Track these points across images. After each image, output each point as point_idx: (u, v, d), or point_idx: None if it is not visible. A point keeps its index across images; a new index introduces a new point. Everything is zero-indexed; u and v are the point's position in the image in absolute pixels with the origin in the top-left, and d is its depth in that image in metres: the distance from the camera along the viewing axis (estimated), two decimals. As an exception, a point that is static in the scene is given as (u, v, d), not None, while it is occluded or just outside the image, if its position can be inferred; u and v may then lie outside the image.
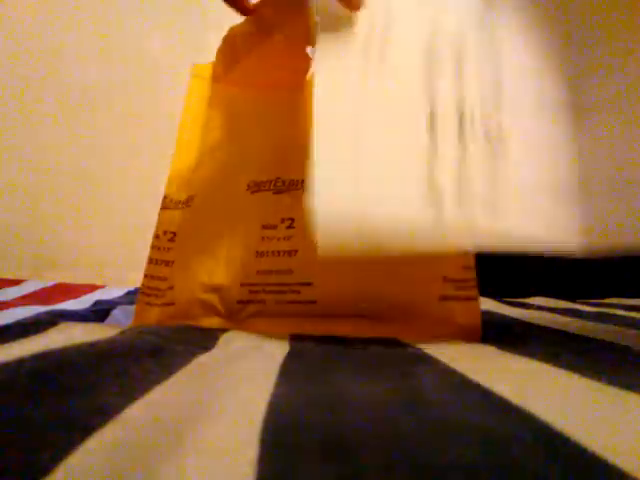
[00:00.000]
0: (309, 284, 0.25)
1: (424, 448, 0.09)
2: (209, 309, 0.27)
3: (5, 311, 0.32)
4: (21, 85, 0.87)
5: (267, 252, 0.27)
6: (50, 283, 0.63)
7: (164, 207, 0.32)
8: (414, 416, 0.11)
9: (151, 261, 0.31)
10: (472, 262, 0.26)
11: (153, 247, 0.31)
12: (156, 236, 0.32)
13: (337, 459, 0.09)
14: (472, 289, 0.25)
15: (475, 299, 0.25)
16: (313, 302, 0.25)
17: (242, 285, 0.27)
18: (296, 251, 0.26)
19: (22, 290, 0.56)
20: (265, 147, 0.30)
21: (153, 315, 0.29)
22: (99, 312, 0.33)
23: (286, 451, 0.09)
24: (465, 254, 0.25)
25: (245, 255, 0.27)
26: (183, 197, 0.32)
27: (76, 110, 0.87)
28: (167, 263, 0.30)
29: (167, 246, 0.31)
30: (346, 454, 0.09)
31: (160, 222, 0.32)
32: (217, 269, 0.28)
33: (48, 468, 0.08)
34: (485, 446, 0.09)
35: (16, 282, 0.63)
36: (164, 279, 0.30)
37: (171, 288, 0.29)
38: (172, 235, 0.31)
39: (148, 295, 0.30)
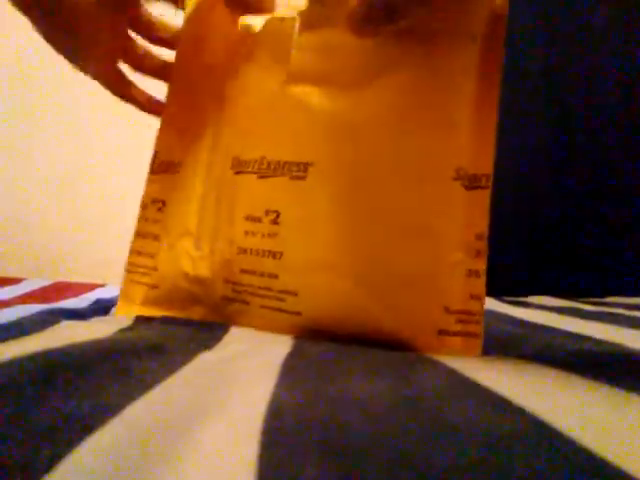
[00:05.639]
0: (294, 293, 0.22)
1: (425, 448, 0.09)
2: (194, 300, 0.25)
3: (5, 310, 0.32)
4: (20, 83, 0.87)
5: (250, 250, 0.23)
6: (50, 282, 0.63)
7: (152, 170, 0.28)
8: (414, 416, 0.11)
9: (138, 234, 0.27)
10: (482, 290, 0.20)
11: (140, 218, 0.27)
12: (143, 205, 0.27)
13: (337, 459, 0.09)
14: (477, 324, 0.20)
15: (478, 337, 0.20)
16: (298, 314, 0.22)
17: (226, 281, 0.24)
18: (281, 253, 0.23)
19: (22, 289, 0.56)
20: (252, 110, 0.25)
21: (138, 295, 0.26)
22: (99, 310, 0.33)
23: (286, 451, 0.09)
24: (475, 277, 0.21)
25: (227, 250, 0.24)
26: (175, 158, 0.27)
27: (76, 108, 0.87)
28: (155, 237, 0.27)
29: (155, 217, 0.27)
30: (346, 454, 0.09)
31: (148, 188, 0.28)
32: (201, 260, 0.25)
33: (48, 467, 0.08)
34: (486, 446, 0.09)
35: (16, 281, 0.63)
36: (151, 256, 0.26)
37: (155, 269, 0.26)
38: (161, 204, 0.27)
39: (133, 272, 0.27)
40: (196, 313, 0.25)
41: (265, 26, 0.25)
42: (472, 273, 0.21)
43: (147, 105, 0.30)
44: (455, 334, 0.20)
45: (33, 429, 0.10)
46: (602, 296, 0.42)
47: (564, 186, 0.51)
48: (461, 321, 0.20)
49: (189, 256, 0.25)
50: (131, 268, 0.27)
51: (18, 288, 0.57)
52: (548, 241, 0.52)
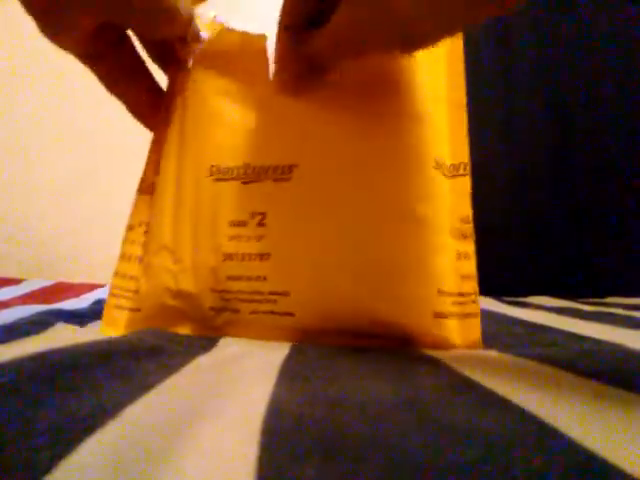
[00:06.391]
0: (286, 294, 0.22)
1: (424, 448, 0.09)
2: (179, 316, 0.24)
3: (5, 310, 0.32)
4: (19, 82, 0.87)
5: (236, 255, 0.23)
6: (50, 282, 0.63)
7: (140, 190, 0.27)
8: (414, 416, 0.11)
9: (123, 257, 0.26)
10: (473, 271, 0.21)
11: (125, 241, 0.27)
12: (129, 227, 0.27)
13: (337, 460, 0.09)
14: (472, 304, 0.21)
15: (476, 316, 0.21)
16: (291, 314, 0.22)
17: (213, 291, 0.24)
18: (269, 254, 0.22)
19: (22, 289, 0.56)
20: (232, 121, 0.25)
21: (121, 320, 0.26)
22: (99, 311, 0.33)
23: (286, 451, 0.09)
24: (465, 259, 0.21)
25: (212, 257, 0.24)
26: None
27: (75, 108, 0.87)
28: (140, 260, 0.26)
29: (141, 240, 0.26)
30: (346, 455, 0.09)
31: (135, 209, 0.27)
32: (182, 274, 0.24)
33: (48, 467, 0.08)
34: (485, 446, 0.09)
35: (16, 281, 0.63)
36: (136, 279, 0.26)
37: (137, 292, 0.26)
38: (146, 227, 0.26)
39: (118, 297, 0.26)
40: (183, 330, 0.25)
41: (241, 44, 0.25)
42: (461, 255, 0.21)
43: (134, 106, 0.29)
44: (452, 316, 0.21)
45: (33, 429, 0.10)
46: (602, 296, 0.42)
47: (564, 186, 0.51)
48: (457, 303, 0.21)
49: (169, 271, 0.24)
50: (115, 292, 0.26)
51: (18, 288, 0.57)
52: (548, 241, 0.52)
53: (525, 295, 0.44)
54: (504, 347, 0.21)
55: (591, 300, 0.41)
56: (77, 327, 0.26)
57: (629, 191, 0.49)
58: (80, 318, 0.30)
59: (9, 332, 0.21)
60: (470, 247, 0.22)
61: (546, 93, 0.52)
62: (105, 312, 0.26)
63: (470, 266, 0.21)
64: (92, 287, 0.59)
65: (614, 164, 0.50)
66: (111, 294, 0.26)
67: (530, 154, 0.52)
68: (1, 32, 0.86)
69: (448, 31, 0.18)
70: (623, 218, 0.49)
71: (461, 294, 0.21)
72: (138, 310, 0.25)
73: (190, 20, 0.26)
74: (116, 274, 0.27)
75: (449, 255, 0.21)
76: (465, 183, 0.22)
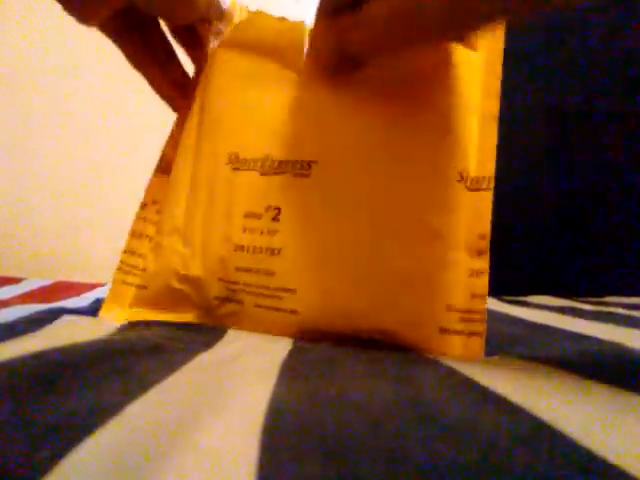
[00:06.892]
0: (292, 291, 0.22)
1: (424, 448, 0.09)
2: (184, 300, 0.24)
3: (5, 309, 0.32)
4: (21, 82, 0.87)
5: (248, 247, 0.23)
6: (50, 281, 0.62)
7: (157, 170, 0.27)
8: (414, 416, 0.11)
9: (134, 234, 0.27)
10: (484, 290, 0.20)
11: (138, 218, 0.27)
12: (143, 205, 0.27)
13: (337, 459, 0.09)
14: (480, 323, 0.20)
15: (481, 335, 0.20)
16: (295, 312, 0.22)
17: (219, 280, 0.23)
18: (280, 250, 0.22)
19: (21, 288, 0.56)
20: (255, 109, 0.25)
21: (126, 296, 0.26)
22: (99, 310, 0.33)
23: (286, 451, 0.09)
24: (477, 277, 0.21)
25: (223, 247, 0.23)
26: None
27: (77, 108, 0.87)
28: (150, 239, 0.26)
29: (153, 219, 0.27)
30: (346, 454, 0.09)
31: (150, 188, 0.27)
32: (192, 259, 0.24)
33: (47, 467, 0.08)
34: (486, 446, 0.09)
35: (16, 280, 0.63)
36: (144, 257, 0.26)
37: (144, 270, 0.26)
38: (160, 206, 0.27)
39: (126, 272, 0.26)
40: (186, 314, 0.25)
41: (278, 30, 0.25)
42: (474, 273, 0.21)
43: (159, 87, 0.29)
44: (457, 333, 0.20)
45: (33, 429, 0.10)
46: (602, 296, 0.42)
47: (564, 186, 0.51)
48: (464, 320, 0.20)
49: (179, 254, 0.25)
50: (123, 267, 0.27)
51: (17, 288, 0.56)
52: (548, 241, 0.52)
53: (525, 295, 0.44)
54: (504, 347, 0.21)
55: (591, 299, 0.41)
56: (80, 322, 0.26)
57: (629, 191, 0.49)
58: (80, 317, 0.30)
59: (8, 331, 0.21)
60: (484, 264, 0.21)
61: (545, 93, 0.52)
62: (111, 288, 0.26)
63: (482, 284, 0.20)
64: (92, 286, 0.59)
65: (614, 163, 0.50)
66: (119, 269, 0.26)
67: (529, 154, 0.52)
68: (3, 31, 0.86)
69: (518, 12, 0.15)
70: (623, 218, 0.49)
71: (469, 311, 0.20)
72: (145, 288, 0.25)
73: (209, 4, 0.26)
74: (125, 251, 0.27)
75: (462, 271, 0.21)
76: (487, 198, 0.21)
